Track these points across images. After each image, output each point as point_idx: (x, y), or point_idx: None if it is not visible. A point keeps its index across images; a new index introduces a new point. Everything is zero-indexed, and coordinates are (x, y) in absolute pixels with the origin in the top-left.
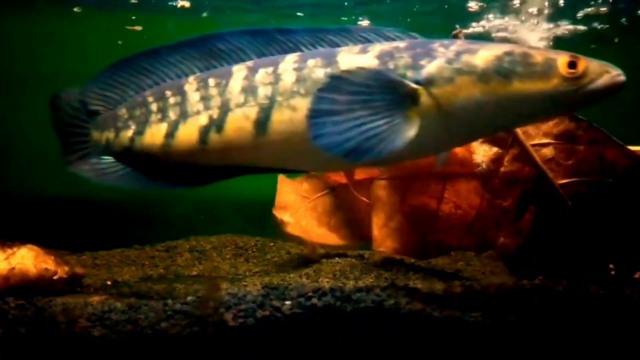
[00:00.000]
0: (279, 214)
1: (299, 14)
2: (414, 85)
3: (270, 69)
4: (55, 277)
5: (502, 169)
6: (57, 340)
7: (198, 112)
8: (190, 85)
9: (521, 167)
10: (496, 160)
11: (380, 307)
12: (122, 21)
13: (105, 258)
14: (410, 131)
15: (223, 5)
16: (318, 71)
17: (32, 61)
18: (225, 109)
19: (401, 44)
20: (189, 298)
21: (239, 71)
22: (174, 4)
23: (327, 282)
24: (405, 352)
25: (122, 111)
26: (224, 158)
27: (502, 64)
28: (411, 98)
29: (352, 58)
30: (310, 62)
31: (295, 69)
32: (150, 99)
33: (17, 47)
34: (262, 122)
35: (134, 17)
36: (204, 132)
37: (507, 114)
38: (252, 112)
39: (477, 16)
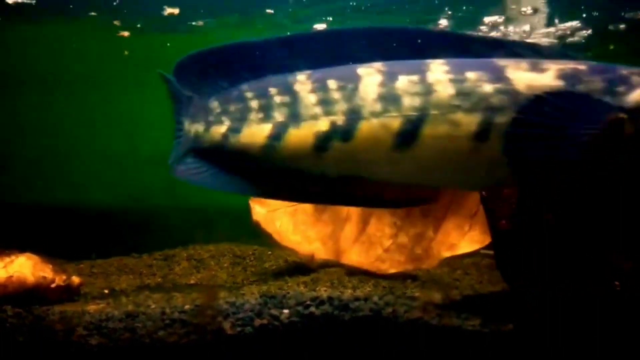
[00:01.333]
0: (254, 203)
1: (268, 10)
2: (621, 114)
3: (415, 77)
4: (52, 286)
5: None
6: (55, 348)
7: (315, 117)
8: (303, 86)
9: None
10: None
11: (378, 316)
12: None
13: (102, 266)
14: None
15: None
16: (485, 86)
17: (33, 68)
18: (354, 116)
19: (580, 66)
20: (187, 307)
21: (369, 75)
22: (163, 13)
23: (325, 290)
24: None
25: (214, 104)
26: (345, 169)
27: None
28: (615, 124)
29: (528, 76)
30: (471, 75)
31: (452, 81)
32: (249, 94)
33: (18, 53)
34: (407, 135)
35: (138, 25)
36: (324, 139)
37: None
38: (393, 123)
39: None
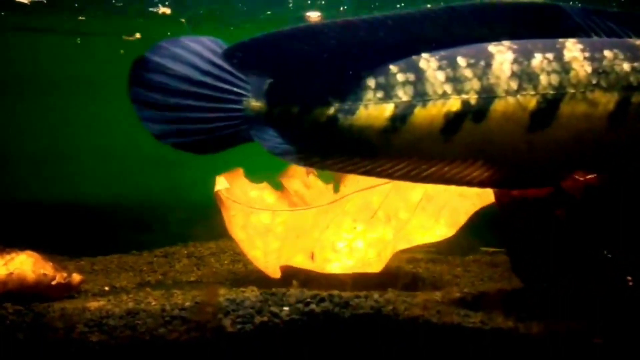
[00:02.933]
0: (220, 177)
1: None
2: None
3: (550, 55)
4: (53, 283)
5: None
6: (55, 346)
7: (445, 96)
8: (428, 63)
9: None
10: None
11: (378, 314)
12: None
13: (103, 263)
14: None
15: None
16: (624, 65)
17: (31, 67)
18: (488, 95)
19: None
20: (187, 304)
21: (500, 52)
22: (155, 10)
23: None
24: (404, 358)
25: (315, 82)
26: (472, 151)
27: None
28: None
29: None
30: (608, 54)
31: (588, 59)
32: (364, 72)
33: (15, 52)
34: (544, 115)
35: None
36: (454, 119)
37: None
38: (530, 102)
39: None
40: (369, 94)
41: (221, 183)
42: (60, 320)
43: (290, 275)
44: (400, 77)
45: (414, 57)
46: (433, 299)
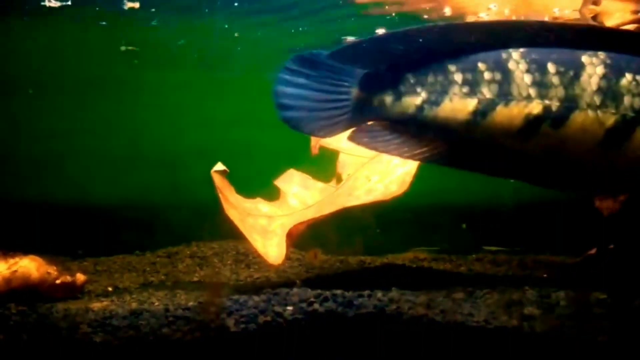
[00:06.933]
0: (219, 165)
1: None
2: None
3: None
4: (57, 282)
5: None
6: (59, 346)
7: (528, 98)
8: (517, 64)
9: None
10: None
11: (382, 313)
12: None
13: (106, 264)
14: None
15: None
16: None
17: (30, 67)
18: (569, 105)
19: None
20: (191, 304)
21: (592, 65)
22: (123, 6)
23: (329, 286)
24: (407, 357)
25: (407, 75)
26: (544, 153)
27: None
28: None
29: None
30: None
31: None
32: (453, 68)
33: (15, 52)
34: (618, 135)
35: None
36: (534, 122)
37: None
38: (608, 119)
39: None
40: (455, 88)
41: (218, 166)
42: (63, 320)
43: (294, 274)
44: (487, 75)
45: (502, 56)
46: (437, 298)
